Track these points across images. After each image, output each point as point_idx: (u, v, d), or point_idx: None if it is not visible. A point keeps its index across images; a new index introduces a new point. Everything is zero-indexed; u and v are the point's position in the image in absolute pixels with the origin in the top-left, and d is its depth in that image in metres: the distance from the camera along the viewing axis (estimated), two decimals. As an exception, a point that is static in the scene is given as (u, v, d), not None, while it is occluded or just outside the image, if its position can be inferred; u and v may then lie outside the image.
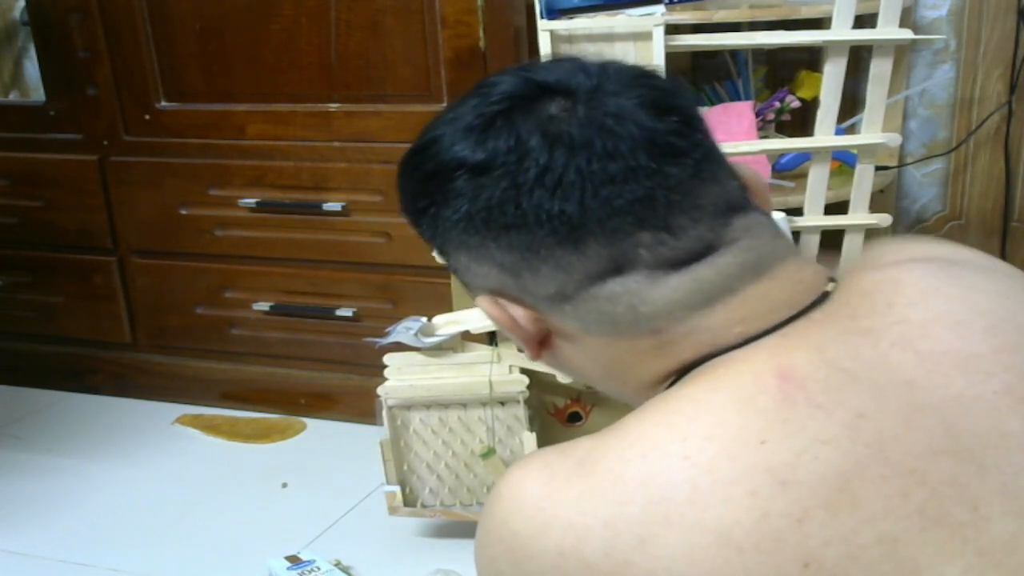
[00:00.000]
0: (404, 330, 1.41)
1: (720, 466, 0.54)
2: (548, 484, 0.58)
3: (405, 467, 1.49)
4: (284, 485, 1.74)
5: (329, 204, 1.78)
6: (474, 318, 1.44)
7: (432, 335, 1.42)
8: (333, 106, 1.75)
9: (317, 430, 1.93)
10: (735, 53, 1.78)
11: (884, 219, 1.50)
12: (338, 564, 1.47)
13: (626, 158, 0.61)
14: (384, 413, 1.46)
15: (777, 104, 1.73)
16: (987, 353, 0.58)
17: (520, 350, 0.76)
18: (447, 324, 1.44)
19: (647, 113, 0.63)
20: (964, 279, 0.64)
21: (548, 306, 0.66)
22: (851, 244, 1.51)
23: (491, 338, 1.45)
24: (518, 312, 0.67)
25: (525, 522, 0.58)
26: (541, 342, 0.69)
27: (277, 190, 1.82)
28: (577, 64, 0.66)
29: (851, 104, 1.74)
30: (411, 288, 1.79)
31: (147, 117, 1.87)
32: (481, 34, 1.61)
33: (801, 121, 1.84)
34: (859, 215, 1.48)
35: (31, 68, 2.07)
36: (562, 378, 1.46)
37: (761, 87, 1.86)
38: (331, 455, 1.83)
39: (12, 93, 2.16)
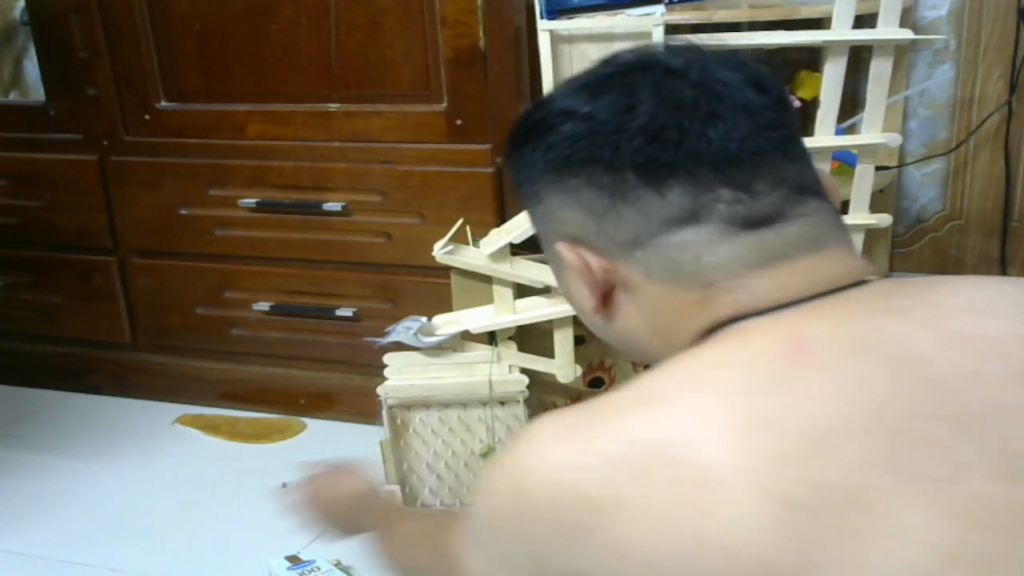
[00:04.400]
0: (404, 330, 1.41)
1: (715, 413, 0.58)
2: (563, 427, 0.63)
3: (405, 466, 1.49)
4: (284, 485, 1.74)
5: (329, 204, 1.78)
6: (474, 318, 1.44)
7: (432, 335, 1.42)
8: (333, 106, 1.75)
9: (317, 430, 1.93)
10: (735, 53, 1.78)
11: (884, 219, 1.50)
12: (338, 564, 1.47)
13: (726, 121, 0.68)
14: (384, 413, 1.46)
15: (777, 104, 1.73)
16: (1007, 338, 0.61)
17: (576, 315, 0.82)
18: (447, 324, 1.44)
19: (750, 87, 0.70)
20: (1006, 281, 0.68)
21: (621, 252, 0.71)
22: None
23: (491, 338, 1.45)
24: (593, 259, 0.72)
25: (535, 456, 0.63)
26: (605, 295, 0.74)
27: (277, 190, 1.82)
28: (690, 46, 0.73)
29: (851, 104, 1.74)
30: (411, 288, 1.79)
31: (147, 117, 1.87)
32: (481, 34, 1.61)
33: (800, 121, 1.84)
34: (859, 215, 1.48)
35: (31, 68, 2.07)
36: (562, 378, 1.46)
37: (761, 87, 1.86)
38: (331, 455, 1.83)
39: (12, 93, 2.16)
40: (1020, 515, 0.53)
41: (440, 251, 1.41)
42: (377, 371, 1.48)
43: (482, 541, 0.72)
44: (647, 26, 1.35)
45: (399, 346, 1.44)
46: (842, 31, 1.37)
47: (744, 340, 0.65)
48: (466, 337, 1.45)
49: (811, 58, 1.91)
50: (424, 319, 1.42)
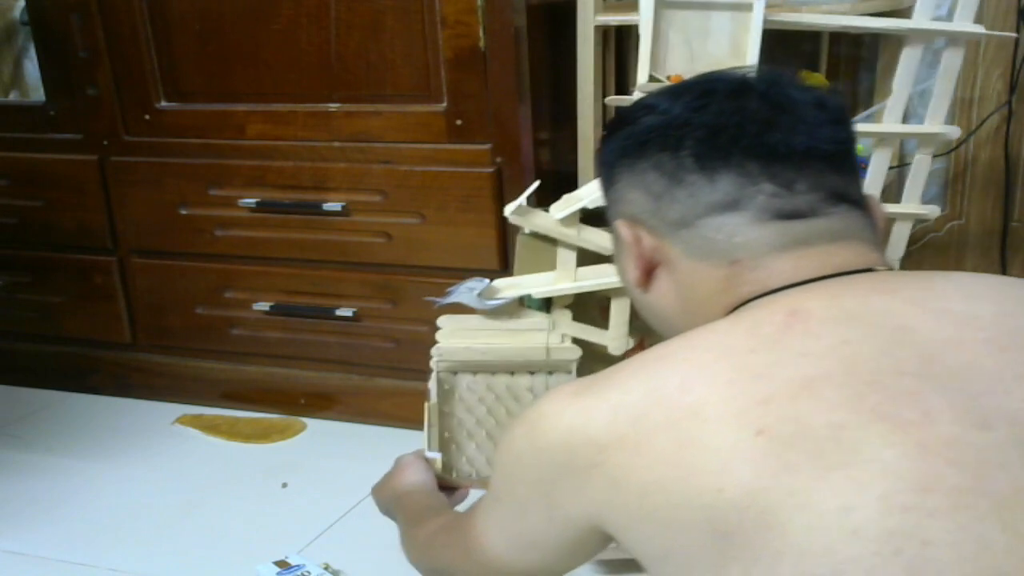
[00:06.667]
0: (467, 290, 1.38)
1: (710, 365, 0.66)
2: (579, 385, 0.72)
3: (446, 434, 1.45)
4: (284, 485, 1.74)
5: (329, 204, 1.78)
6: (536, 282, 1.41)
7: (494, 298, 1.40)
8: (333, 106, 1.75)
9: (317, 430, 1.93)
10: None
11: (933, 210, 1.52)
12: (327, 567, 1.46)
13: (783, 129, 0.77)
14: (433, 377, 1.43)
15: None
16: (986, 315, 0.66)
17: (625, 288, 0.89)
18: (509, 287, 1.41)
19: (813, 106, 0.78)
20: (999, 277, 0.74)
21: (670, 231, 0.80)
22: (900, 232, 1.52)
23: (546, 305, 1.42)
24: (646, 237, 0.81)
25: (552, 407, 0.72)
26: (648, 271, 0.83)
27: (277, 190, 1.82)
28: (771, 70, 0.83)
29: (850, 103, 1.74)
30: (411, 288, 1.79)
31: (147, 117, 1.87)
32: (481, 34, 1.61)
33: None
34: (912, 204, 1.50)
35: (31, 68, 2.07)
36: (614, 349, 1.43)
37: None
38: (331, 455, 1.83)
39: (12, 93, 2.15)
40: (986, 455, 0.57)
41: (511, 212, 1.38)
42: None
43: (501, 493, 0.80)
44: None
45: (455, 308, 1.41)
46: (923, 21, 1.40)
47: (751, 313, 0.72)
48: (521, 304, 1.43)
49: (811, 58, 1.91)
50: (487, 280, 1.39)
